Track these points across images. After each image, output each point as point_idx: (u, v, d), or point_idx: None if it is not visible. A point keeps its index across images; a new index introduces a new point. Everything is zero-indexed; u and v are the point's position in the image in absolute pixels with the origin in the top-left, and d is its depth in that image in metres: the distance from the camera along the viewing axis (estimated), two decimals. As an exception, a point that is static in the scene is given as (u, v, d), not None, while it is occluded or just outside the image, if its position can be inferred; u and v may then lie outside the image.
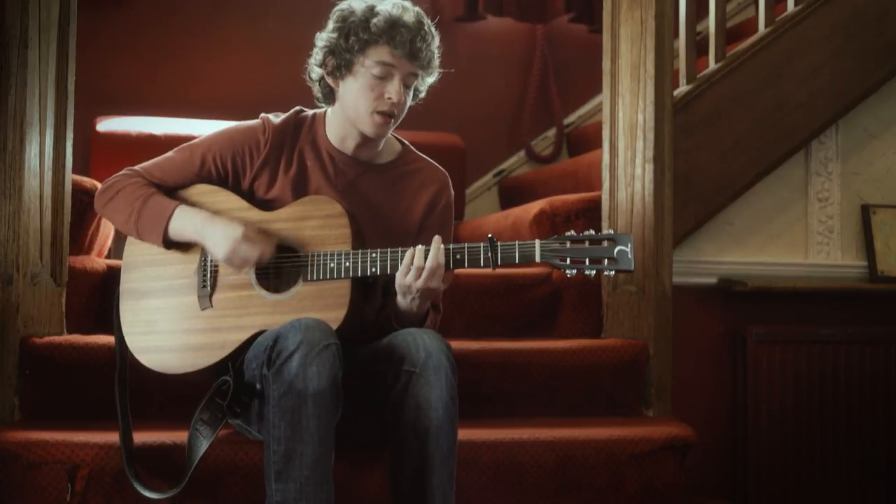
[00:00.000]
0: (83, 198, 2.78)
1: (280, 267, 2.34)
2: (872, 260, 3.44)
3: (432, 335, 2.23)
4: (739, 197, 3.34)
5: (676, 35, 3.25)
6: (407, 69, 2.32)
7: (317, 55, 2.38)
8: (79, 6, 2.72)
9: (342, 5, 2.36)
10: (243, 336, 2.28)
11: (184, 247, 2.38)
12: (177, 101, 4.02)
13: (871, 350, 3.36)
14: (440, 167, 2.51)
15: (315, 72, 2.40)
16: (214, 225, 2.32)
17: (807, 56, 3.38)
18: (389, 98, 2.31)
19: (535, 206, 3.31)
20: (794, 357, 3.32)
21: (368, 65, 2.31)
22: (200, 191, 2.41)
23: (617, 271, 2.19)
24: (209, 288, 2.34)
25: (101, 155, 3.71)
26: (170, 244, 2.37)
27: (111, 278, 2.73)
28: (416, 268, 2.23)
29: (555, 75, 4.57)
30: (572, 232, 2.22)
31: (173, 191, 2.41)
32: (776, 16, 3.39)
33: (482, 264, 2.23)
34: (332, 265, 2.27)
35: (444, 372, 2.18)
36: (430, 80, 2.40)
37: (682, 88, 3.26)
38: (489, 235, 2.24)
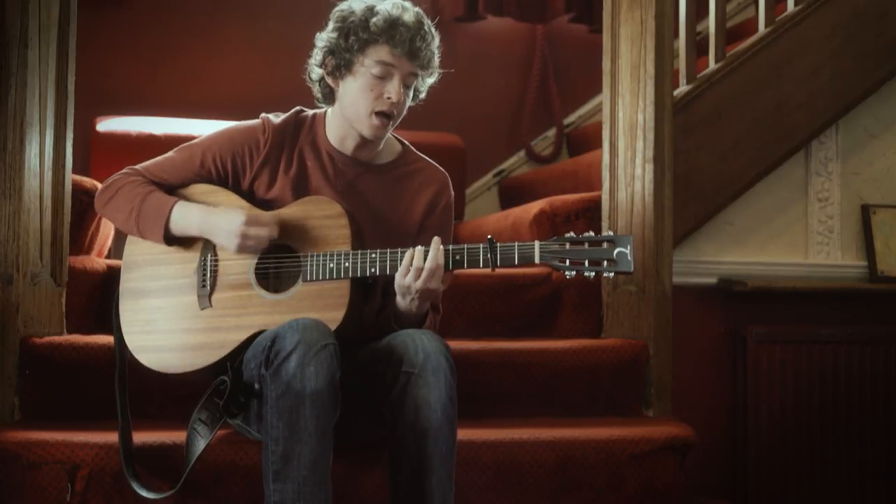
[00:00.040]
0: (83, 198, 2.78)
1: (279, 267, 2.34)
2: (872, 260, 3.44)
3: (431, 336, 2.23)
4: (739, 197, 3.34)
5: (676, 35, 3.25)
6: (406, 69, 2.32)
7: (317, 55, 2.38)
8: (79, 6, 2.72)
9: (342, 5, 2.36)
10: (242, 336, 2.28)
11: (184, 245, 2.38)
12: (177, 101, 4.02)
13: (871, 350, 3.36)
14: (440, 168, 2.51)
15: (315, 72, 2.40)
16: (217, 217, 2.32)
17: (807, 56, 3.38)
18: (389, 98, 2.31)
19: (535, 206, 3.31)
20: (794, 357, 3.32)
21: (368, 64, 2.31)
22: (200, 190, 2.41)
23: (616, 273, 2.19)
24: (209, 287, 2.34)
25: (101, 155, 3.71)
26: (171, 240, 2.37)
27: (111, 278, 2.73)
28: (415, 268, 2.23)
29: (555, 75, 4.57)
30: (572, 233, 2.22)
31: (173, 190, 2.42)
32: (776, 16, 3.39)
33: (481, 265, 2.23)
34: (331, 265, 2.27)
35: (442, 373, 2.18)
36: (430, 80, 2.40)
37: (682, 88, 3.26)
38: (488, 236, 2.24)
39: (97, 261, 2.85)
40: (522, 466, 2.53)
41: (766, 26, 3.37)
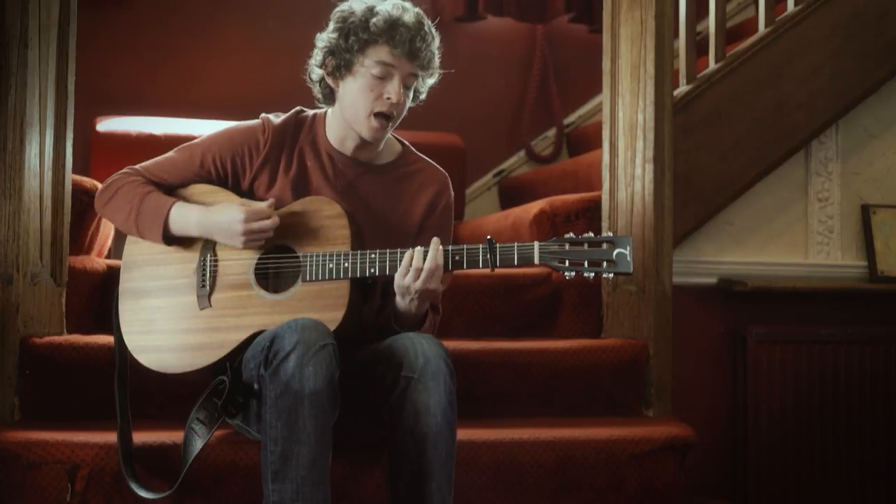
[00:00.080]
0: (83, 198, 2.78)
1: (279, 267, 2.34)
2: (872, 260, 3.44)
3: (431, 340, 2.23)
4: (739, 197, 3.34)
5: (676, 35, 3.25)
6: (407, 69, 2.32)
7: (317, 56, 2.38)
8: (79, 6, 2.72)
9: (342, 6, 2.36)
10: (242, 336, 2.28)
11: (184, 245, 2.38)
12: (177, 101, 4.02)
13: (871, 350, 3.36)
14: (440, 168, 2.51)
15: (315, 72, 2.40)
16: (216, 215, 2.32)
17: (807, 56, 3.38)
18: (389, 98, 2.31)
19: (535, 206, 3.31)
20: (794, 357, 3.32)
21: (368, 65, 2.31)
22: (200, 191, 2.41)
23: (616, 274, 2.19)
24: (208, 288, 2.34)
25: (101, 155, 3.71)
26: (171, 240, 2.37)
27: (111, 278, 2.73)
28: (414, 269, 2.23)
29: (555, 75, 4.57)
30: (571, 234, 2.22)
31: (173, 190, 2.42)
32: (776, 16, 3.39)
33: (481, 266, 2.23)
34: (330, 266, 2.27)
35: (442, 378, 2.18)
36: (431, 81, 2.40)
37: (682, 88, 3.26)
38: (488, 237, 2.24)
39: (97, 261, 2.85)
40: (522, 466, 2.53)
41: (766, 26, 3.37)
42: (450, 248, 2.25)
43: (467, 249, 2.24)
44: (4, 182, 2.61)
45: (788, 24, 3.37)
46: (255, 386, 2.19)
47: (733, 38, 3.73)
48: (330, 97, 2.41)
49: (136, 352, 2.36)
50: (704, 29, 3.53)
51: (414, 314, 2.30)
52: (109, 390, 2.41)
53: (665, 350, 3.00)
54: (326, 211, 2.33)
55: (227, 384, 2.23)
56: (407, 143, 2.53)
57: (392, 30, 2.29)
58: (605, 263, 2.19)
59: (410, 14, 2.32)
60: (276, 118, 2.45)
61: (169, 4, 4.14)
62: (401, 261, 2.24)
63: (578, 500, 2.56)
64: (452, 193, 2.50)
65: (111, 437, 2.33)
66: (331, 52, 2.34)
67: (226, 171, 2.41)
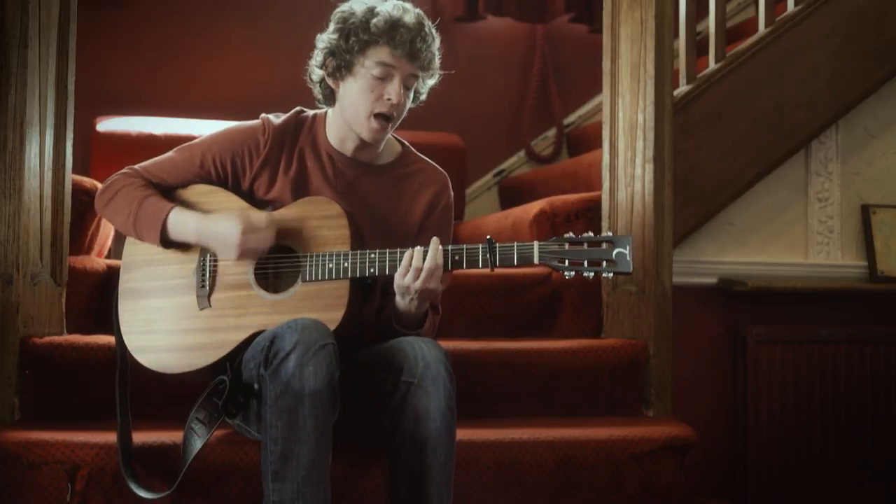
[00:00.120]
0: (83, 198, 2.78)
1: (279, 267, 2.34)
2: (872, 260, 3.44)
3: (431, 344, 2.23)
4: (739, 197, 3.34)
5: (676, 35, 3.25)
6: (407, 70, 2.32)
7: (317, 56, 2.38)
8: (79, 6, 2.72)
9: (342, 7, 2.36)
10: (242, 336, 2.28)
11: (183, 246, 2.38)
12: (177, 101, 4.02)
13: (871, 350, 3.36)
14: (440, 168, 2.51)
15: (316, 73, 2.40)
16: (213, 225, 2.31)
17: (807, 56, 3.38)
18: (389, 99, 2.31)
19: (535, 206, 3.31)
20: (794, 357, 3.32)
21: (368, 65, 2.31)
22: (200, 191, 2.41)
23: (615, 274, 2.19)
24: (208, 288, 2.34)
25: (101, 155, 3.71)
26: (169, 244, 2.37)
27: (111, 278, 2.73)
28: (414, 269, 2.23)
29: (555, 75, 4.57)
30: (571, 234, 2.22)
31: (173, 190, 2.42)
32: (776, 16, 3.39)
33: (480, 265, 2.23)
34: (330, 265, 2.27)
35: (442, 382, 2.18)
36: (431, 82, 2.40)
37: (682, 88, 3.26)
38: (487, 237, 2.24)
39: (97, 261, 2.85)
40: (522, 466, 2.53)
41: (766, 26, 3.37)
42: (449, 247, 2.25)
43: (467, 249, 2.24)
44: (4, 182, 2.61)
45: (788, 24, 3.37)
46: (255, 386, 2.19)
47: (733, 38, 3.73)
48: (330, 98, 2.41)
49: (135, 352, 2.36)
50: (704, 29, 3.53)
51: (414, 314, 2.30)
52: (109, 390, 2.41)
53: (665, 350, 3.00)
54: (326, 211, 2.33)
55: (227, 384, 2.23)
56: (407, 143, 2.53)
57: (392, 31, 2.28)
58: (604, 263, 2.19)
59: (411, 15, 2.32)
60: (277, 118, 2.45)
61: (169, 4, 4.14)
62: (400, 261, 2.24)
63: (578, 500, 2.56)
64: (452, 193, 2.50)
65: (111, 437, 2.33)
66: (331, 52, 2.34)
67: (226, 171, 2.41)
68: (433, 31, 2.36)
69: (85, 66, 2.85)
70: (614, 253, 2.19)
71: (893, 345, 3.37)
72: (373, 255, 2.26)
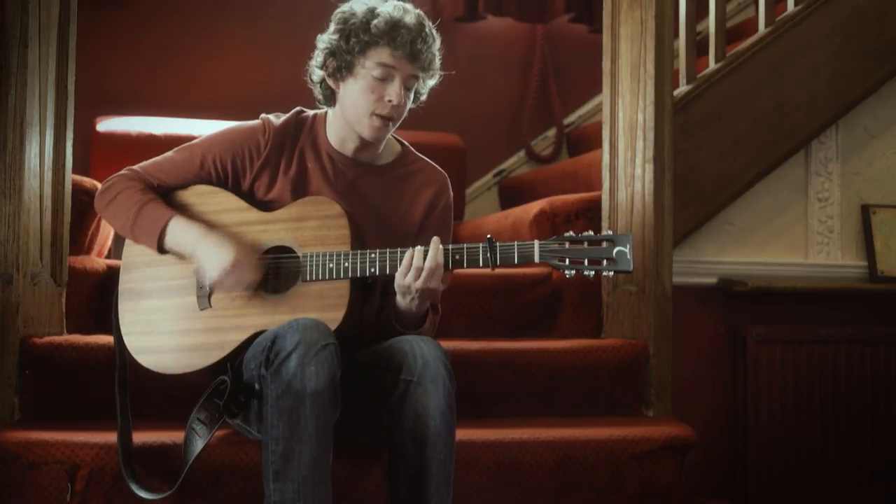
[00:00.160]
0: (83, 198, 2.78)
1: (279, 267, 2.34)
2: (872, 260, 3.44)
3: (430, 343, 2.23)
4: (739, 197, 3.34)
5: (676, 35, 3.25)
6: (407, 71, 2.32)
7: (318, 57, 2.38)
8: (79, 6, 2.72)
9: (343, 7, 2.36)
10: (242, 336, 2.28)
11: (182, 250, 2.39)
12: (177, 101, 4.02)
13: (871, 350, 3.36)
14: (440, 168, 2.51)
15: (316, 74, 2.40)
16: (206, 247, 2.30)
17: (807, 56, 3.38)
18: (390, 100, 2.31)
19: (535, 206, 3.31)
20: (794, 357, 3.32)
21: (369, 66, 2.31)
22: (199, 191, 2.41)
23: (616, 272, 2.19)
24: (208, 288, 2.34)
25: (101, 155, 3.71)
26: (166, 252, 2.37)
27: (111, 278, 2.73)
28: (415, 268, 2.23)
29: (555, 75, 4.57)
30: (571, 233, 2.22)
31: (173, 191, 2.42)
32: (776, 16, 3.39)
33: (481, 265, 2.23)
34: (331, 265, 2.27)
35: (441, 381, 2.18)
36: (431, 82, 2.40)
37: (682, 88, 3.26)
38: (488, 236, 2.24)
39: (97, 261, 2.85)
40: (522, 466, 2.53)
41: (766, 26, 3.37)
42: (450, 246, 2.25)
43: (467, 248, 2.24)
44: (4, 182, 2.61)
45: (788, 24, 3.37)
46: (256, 386, 2.19)
47: (733, 38, 3.73)
48: (331, 98, 2.41)
49: (136, 353, 2.36)
50: (704, 29, 3.53)
51: (414, 313, 2.30)
52: (109, 390, 2.41)
53: (665, 350, 3.00)
54: (326, 211, 2.33)
55: (228, 384, 2.23)
56: (406, 143, 2.53)
57: (393, 31, 2.28)
58: (605, 261, 2.19)
59: (411, 16, 2.32)
60: (277, 119, 2.45)
61: (169, 4, 4.14)
62: (401, 260, 2.24)
63: (578, 500, 2.56)
64: (452, 193, 2.50)
65: (111, 438, 2.33)
66: (331, 53, 2.34)
67: (226, 172, 2.41)
68: (433, 31, 2.36)
69: (85, 66, 2.85)
70: (615, 251, 2.19)
71: (893, 345, 3.38)
72: (373, 255, 2.26)
